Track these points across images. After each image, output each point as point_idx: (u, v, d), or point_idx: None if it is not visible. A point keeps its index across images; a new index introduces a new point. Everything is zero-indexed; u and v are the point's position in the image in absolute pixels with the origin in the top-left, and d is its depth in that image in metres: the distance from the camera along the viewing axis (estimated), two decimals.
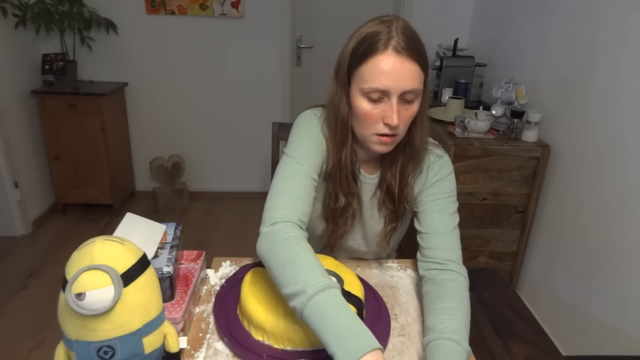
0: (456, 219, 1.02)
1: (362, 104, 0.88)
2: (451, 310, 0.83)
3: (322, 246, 1.13)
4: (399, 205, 1.02)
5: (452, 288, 0.89)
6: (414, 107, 0.88)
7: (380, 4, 3.19)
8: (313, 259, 0.77)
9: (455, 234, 1.01)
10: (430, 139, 1.05)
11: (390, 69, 0.83)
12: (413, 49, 0.83)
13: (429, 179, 1.01)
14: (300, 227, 0.86)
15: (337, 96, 0.92)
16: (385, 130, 0.88)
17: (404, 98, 0.86)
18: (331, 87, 0.94)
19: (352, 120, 0.93)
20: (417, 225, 1.02)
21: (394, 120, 0.85)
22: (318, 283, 0.71)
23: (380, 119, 0.88)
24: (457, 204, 1.03)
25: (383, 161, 1.02)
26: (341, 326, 0.68)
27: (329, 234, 1.06)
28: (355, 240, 1.12)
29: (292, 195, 0.89)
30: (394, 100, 0.85)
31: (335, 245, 1.10)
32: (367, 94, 0.86)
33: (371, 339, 0.67)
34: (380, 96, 0.86)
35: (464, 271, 0.96)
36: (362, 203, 1.05)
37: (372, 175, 1.03)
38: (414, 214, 1.05)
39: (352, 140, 0.96)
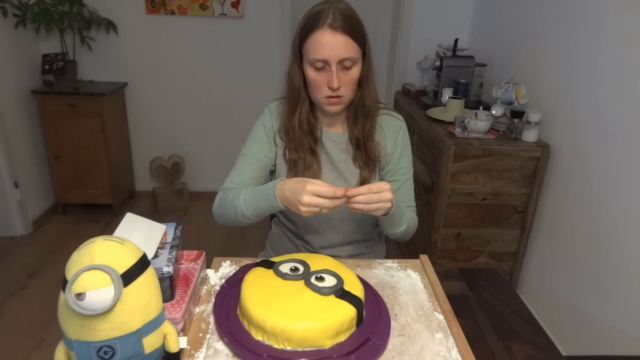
0: (412, 174, 1.25)
1: (310, 72, 1.06)
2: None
3: None
4: (367, 158, 1.17)
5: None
6: (353, 72, 1.06)
7: (380, 4, 3.19)
8: (239, 191, 1.10)
9: (413, 190, 1.25)
10: (388, 106, 1.24)
11: (326, 42, 1.01)
12: (345, 25, 1.00)
13: (398, 140, 1.20)
14: (232, 188, 1.15)
15: (291, 68, 1.11)
16: (330, 93, 1.06)
17: (343, 65, 1.03)
18: (289, 59, 1.12)
19: (308, 88, 1.11)
20: None
21: (334, 83, 1.03)
22: (240, 198, 1.07)
23: (325, 84, 1.05)
24: (412, 160, 1.25)
25: (347, 121, 1.18)
26: (260, 196, 1.04)
27: None
28: None
29: (230, 176, 1.18)
30: (334, 67, 1.03)
31: None
32: (312, 64, 1.04)
33: (272, 183, 1.01)
34: (323, 65, 1.03)
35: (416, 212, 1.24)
36: (331, 157, 1.19)
37: (338, 132, 1.19)
38: (383, 179, 1.21)
39: (314, 106, 1.16)
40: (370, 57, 1.10)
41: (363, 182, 1.17)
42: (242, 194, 1.08)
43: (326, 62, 1.02)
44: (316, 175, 1.17)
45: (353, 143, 1.17)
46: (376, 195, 0.94)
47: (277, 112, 1.19)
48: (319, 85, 1.06)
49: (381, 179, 1.21)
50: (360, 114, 1.14)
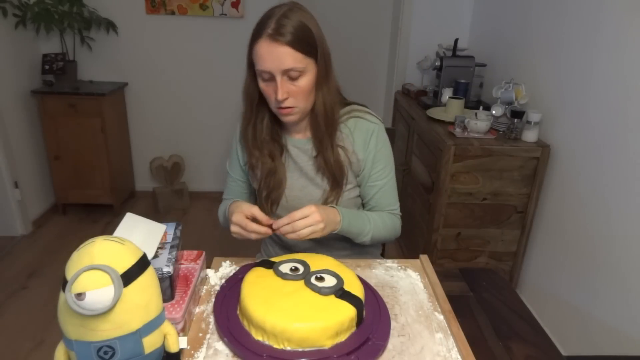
0: (394, 177, 1.21)
1: (260, 83, 1.03)
2: (365, 213, 1.16)
3: (275, 209, 1.20)
4: (326, 171, 1.12)
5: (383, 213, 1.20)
6: (302, 82, 1.01)
7: (380, 4, 3.19)
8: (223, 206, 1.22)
9: (395, 192, 1.22)
10: (363, 107, 1.19)
11: (265, 53, 0.98)
12: (286, 35, 0.96)
13: (370, 146, 1.14)
14: (225, 199, 1.27)
15: (246, 75, 1.09)
16: (279, 104, 1.02)
17: (289, 75, 1.00)
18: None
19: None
20: (363, 198, 1.21)
21: (279, 95, 1.00)
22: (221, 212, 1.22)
23: (274, 94, 1.02)
24: (393, 163, 1.21)
25: (310, 127, 1.13)
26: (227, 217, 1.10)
27: (268, 191, 1.18)
28: (308, 202, 1.15)
29: (224, 192, 1.29)
30: (278, 78, 0.99)
31: (289, 209, 1.18)
32: (259, 74, 1.02)
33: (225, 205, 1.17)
34: (269, 76, 1.00)
35: (399, 215, 1.24)
36: (298, 165, 1.16)
37: (302, 138, 1.16)
38: (361, 185, 1.19)
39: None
40: (328, 64, 1.06)
41: (326, 200, 1.14)
42: (221, 211, 1.22)
43: (270, 73, 0.99)
44: (281, 182, 1.15)
45: (316, 151, 1.13)
46: (301, 222, 0.95)
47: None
48: (268, 95, 1.04)
49: (358, 185, 1.19)
50: (320, 121, 1.09)
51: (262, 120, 1.12)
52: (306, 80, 1.02)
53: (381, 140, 1.16)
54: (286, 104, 1.02)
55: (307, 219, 0.96)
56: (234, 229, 1.00)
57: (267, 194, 1.18)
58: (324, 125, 1.09)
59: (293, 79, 1.00)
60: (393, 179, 1.21)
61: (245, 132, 1.15)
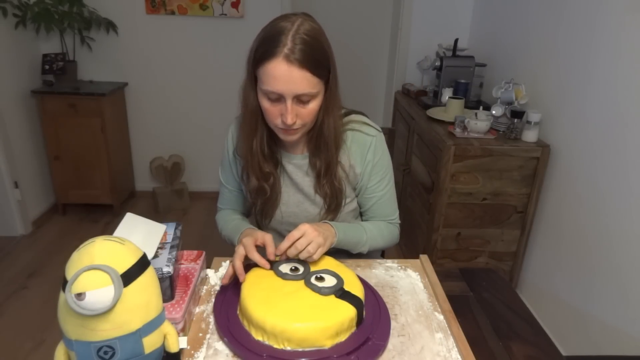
0: (393, 186, 1.20)
1: (264, 101, 0.97)
2: (361, 224, 1.15)
3: (268, 223, 1.20)
4: (328, 182, 1.09)
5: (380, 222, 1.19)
6: (311, 106, 0.97)
7: (380, 5, 3.19)
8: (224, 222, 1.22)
9: (394, 202, 1.21)
10: (361, 117, 1.15)
11: (280, 76, 0.90)
12: (304, 57, 0.90)
13: (368, 159, 1.12)
14: (222, 209, 1.27)
15: (246, 88, 1.02)
16: (284, 126, 0.97)
17: (299, 99, 0.94)
18: (244, 76, 1.02)
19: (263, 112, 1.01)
20: (362, 208, 1.20)
21: (288, 120, 0.95)
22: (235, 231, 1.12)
23: (279, 115, 0.97)
24: (392, 172, 1.19)
25: (308, 145, 1.10)
26: (232, 238, 1.13)
27: (262, 206, 1.15)
28: (305, 218, 1.15)
29: (219, 200, 1.28)
30: (288, 102, 0.93)
31: (284, 223, 1.18)
32: (266, 94, 0.95)
33: (238, 231, 1.10)
34: (277, 97, 0.94)
35: (397, 224, 1.23)
36: (294, 181, 1.13)
37: (298, 154, 1.12)
38: (358, 195, 1.18)
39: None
40: (336, 85, 1.01)
41: (324, 216, 1.13)
42: (223, 229, 1.21)
43: (280, 95, 0.93)
44: (276, 197, 1.13)
45: (314, 172, 1.11)
46: (302, 240, 0.90)
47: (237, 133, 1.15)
48: (273, 115, 0.98)
49: (356, 196, 1.18)
50: (321, 143, 1.06)
51: (262, 136, 1.07)
52: (316, 104, 0.97)
53: (379, 152, 1.13)
54: (293, 126, 0.98)
55: (305, 237, 0.91)
56: (239, 249, 0.94)
57: (261, 209, 1.16)
58: (334, 148, 1.06)
59: (303, 102, 0.95)
60: (392, 189, 1.19)
61: (244, 147, 1.09)
